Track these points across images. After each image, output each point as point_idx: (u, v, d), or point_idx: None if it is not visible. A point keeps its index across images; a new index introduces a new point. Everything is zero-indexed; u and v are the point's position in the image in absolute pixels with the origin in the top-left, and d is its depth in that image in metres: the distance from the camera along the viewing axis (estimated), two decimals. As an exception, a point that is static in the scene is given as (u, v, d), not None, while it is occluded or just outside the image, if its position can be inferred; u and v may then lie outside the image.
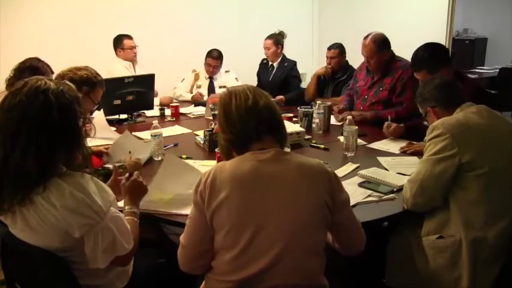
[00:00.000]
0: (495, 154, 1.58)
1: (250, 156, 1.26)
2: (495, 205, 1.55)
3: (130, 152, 2.02)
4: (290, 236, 1.20)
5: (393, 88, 2.88)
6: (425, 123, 1.98)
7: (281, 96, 3.71)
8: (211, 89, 4.01)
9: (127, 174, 1.58)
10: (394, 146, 2.45)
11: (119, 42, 3.77)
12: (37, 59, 2.37)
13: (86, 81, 1.99)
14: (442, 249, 1.58)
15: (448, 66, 2.30)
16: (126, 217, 1.44)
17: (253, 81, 4.11)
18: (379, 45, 2.89)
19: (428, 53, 2.33)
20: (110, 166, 1.92)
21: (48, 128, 1.17)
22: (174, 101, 3.80)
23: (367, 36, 2.96)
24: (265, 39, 4.00)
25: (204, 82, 4.04)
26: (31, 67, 2.28)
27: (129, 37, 3.79)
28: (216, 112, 3.11)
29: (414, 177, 1.65)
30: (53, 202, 1.17)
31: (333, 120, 2.92)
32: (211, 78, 4.04)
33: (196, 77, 4.03)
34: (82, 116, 1.27)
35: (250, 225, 1.19)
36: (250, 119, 1.27)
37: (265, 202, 1.21)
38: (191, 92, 4.02)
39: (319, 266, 1.28)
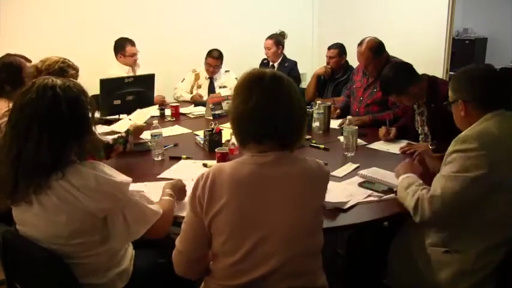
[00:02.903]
0: None
1: (249, 160, 1.21)
2: (509, 228, 1.47)
3: (130, 120, 2.54)
4: (290, 242, 1.18)
5: None
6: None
7: None
8: (211, 89, 4.00)
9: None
10: (394, 146, 2.45)
11: (121, 47, 3.69)
12: (7, 55, 2.39)
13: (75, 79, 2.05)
14: (448, 263, 1.52)
15: (417, 82, 2.31)
16: (164, 197, 1.59)
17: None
18: (375, 51, 2.90)
19: (392, 75, 2.34)
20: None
21: (58, 121, 1.24)
22: (174, 101, 3.80)
23: (361, 42, 2.96)
24: (266, 39, 4.00)
25: (204, 82, 4.04)
26: (4, 64, 2.30)
27: (132, 43, 3.70)
28: (217, 112, 3.16)
29: (439, 193, 1.45)
30: (74, 184, 1.23)
31: (333, 124, 2.92)
32: (211, 79, 4.04)
33: (197, 77, 4.03)
34: (90, 106, 1.33)
35: (251, 232, 1.17)
36: (244, 124, 1.20)
37: (266, 208, 1.18)
38: (191, 92, 4.02)
39: (318, 267, 1.27)
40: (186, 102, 3.85)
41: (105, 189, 1.26)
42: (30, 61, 2.39)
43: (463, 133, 1.52)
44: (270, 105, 1.18)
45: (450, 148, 1.50)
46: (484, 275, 1.49)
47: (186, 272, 1.30)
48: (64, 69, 2.14)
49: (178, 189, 1.68)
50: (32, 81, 1.30)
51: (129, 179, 1.35)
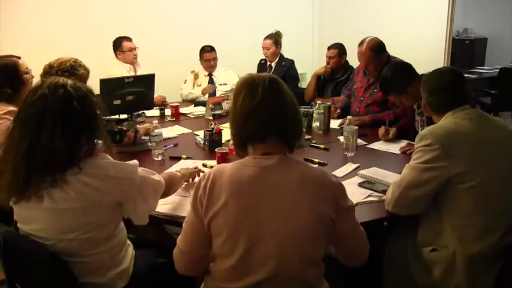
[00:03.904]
0: (486, 165, 1.51)
1: (251, 162, 1.21)
2: (489, 216, 1.51)
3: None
4: (287, 248, 1.16)
5: None
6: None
7: None
8: None
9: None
10: (394, 146, 2.45)
11: (118, 44, 3.71)
12: (4, 57, 2.34)
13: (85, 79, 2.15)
14: (437, 261, 1.55)
15: (416, 82, 2.27)
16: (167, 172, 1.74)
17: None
18: (376, 51, 2.90)
19: (391, 75, 2.38)
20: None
21: (70, 116, 1.25)
22: (174, 101, 3.80)
23: (361, 42, 2.95)
24: (264, 39, 4.00)
25: (203, 80, 4.03)
26: (7, 65, 2.24)
27: (128, 39, 3.73)
28: (216, 112, 3.16)
29: (399, 181, 1.60)
30: (93, 174, 1.27)
31: (333, 124, 2.93)
32: (210, 76, 4.03)
33: (196, 77, 4.04)
34: (99, 106, 1.35)
35: (247, 234, 1.16)
36: (251, 120, 1.20)
37: (264, 212, 1.16)
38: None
39: (317, 275, 1.25)
40: (186, 102, 3.86)
41: (123, 175, 1.33)
42: (19, 58, 2.38)
43: (422, 131, 1.63)
44: (275, 101, 1.22)
45: (415, 145, 1.63)
46: (475, 270, 1.50)
47: (188, 270, 1.30)
48: (75, 67, 2.19)
49: (189, 173, 1.85)
50: (42, 80, 1.32)
51: (137, 162, 1.42)
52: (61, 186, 1.24)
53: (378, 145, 2.51)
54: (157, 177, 1.49)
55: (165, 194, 1.58)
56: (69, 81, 1.30)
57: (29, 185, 1.24)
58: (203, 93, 3.87)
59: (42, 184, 1.23)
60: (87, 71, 2.26)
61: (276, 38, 3.98)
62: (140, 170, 1.43)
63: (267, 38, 4.00)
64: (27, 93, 1.29)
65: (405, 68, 2.40)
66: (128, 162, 1.38)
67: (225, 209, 1.17)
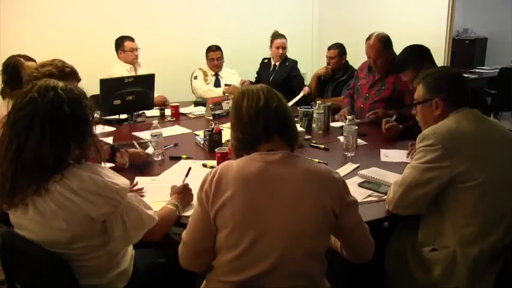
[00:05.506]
0: (487, 164, 1.52)
1: (257, 157, 1.25)
2: (490, 215, 1.51)
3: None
4: (291, 240, 1.19)
5: (396, 87, 2.86)
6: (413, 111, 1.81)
7: (307, 88, 3.63)
8: (217, 86, 3.98)
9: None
10: (398, 153, 2.32)
11: (120, 43, 3.72)
12: (10, 57, 2.36)
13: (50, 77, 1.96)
14: (437, 261, 1.55)
15: (431, 61, 2.36)
16: (168, 205, 1.57)
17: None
18: (385, 44, 2.90)
19: (410, 51, 2.45)
20: None
21: (60, 120, 1.22)
22: (174, 101, 3.81)
23: (369, 36, 2.94)
24: (279, 38, 3.94)
25: (211, 79, 4.02)
26: (4, 66, 2.29)
27: (131, 39, 3.74)
28: (216, 112, 3.16)
29: (400, 181, 1.59)
30: (72, 188, 1.21)
31: (333, 124, 2.92)
32: (217, 75, 4.02)
33: (205, 74, 4.03)
34: (92, 110, 1.31)
35: (253, 227, 1.19)
36: (260, 120, 1.26)
37: (269, 205, 1.20)
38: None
39: (319, 270, 1.27)
40: (187, 102, 3.86)
41: (104, 193, 1.24)
42: (33, 60, 2.38)
43: (424, 131, 1.62)
44: (277, 103, 1.30)
45: (416, 145, 1.63)
46: (476, 270, 1.50)
47: (190, 264, 1.31)
48: (44, 64, 1.91)
49: (184, 195, 1.66)
50: (32, 83, 1.28)
51: (128, 182, 1.34)
52: (43, 195, 1.20)
53: (383, 152, 2.33)
54: (151, 213, 1.41)
55: (158, 233, 1.44)
56: (60, 84, 1.26)
57: (15, 191, 1.21)
58: (224, 93, 3.79)
59: (27, 190, 1.20)
60: (59, 69, 1.91)
61: (286, 38, 3.97)
62: (134, 198, 1.37)
63: (281, 37, 3.94)
64: (18, 96, 1.26)
65: (421, 48, 2.48)
66: (118, 179, 1.30)
67: (232, 202, 1.19)
